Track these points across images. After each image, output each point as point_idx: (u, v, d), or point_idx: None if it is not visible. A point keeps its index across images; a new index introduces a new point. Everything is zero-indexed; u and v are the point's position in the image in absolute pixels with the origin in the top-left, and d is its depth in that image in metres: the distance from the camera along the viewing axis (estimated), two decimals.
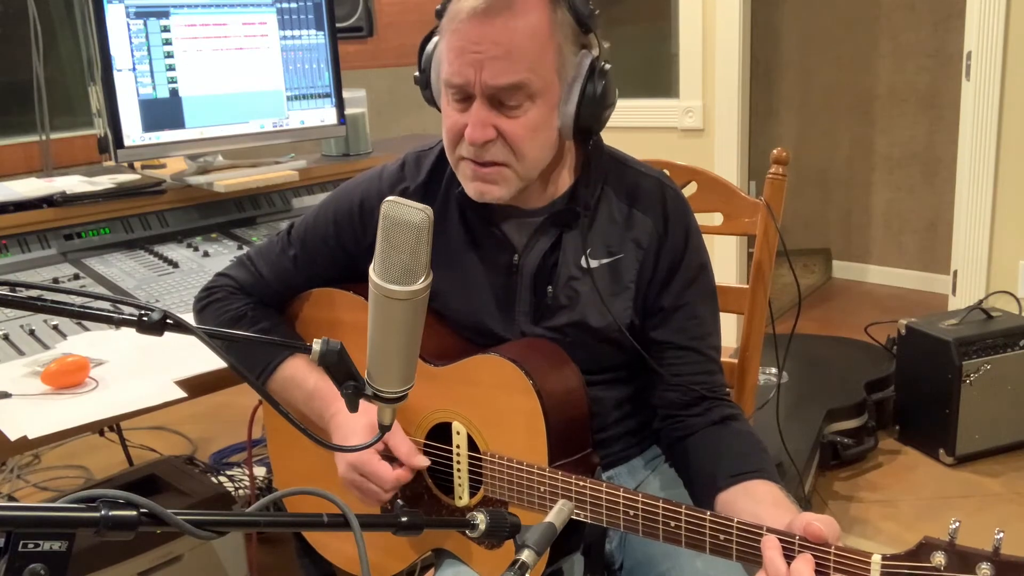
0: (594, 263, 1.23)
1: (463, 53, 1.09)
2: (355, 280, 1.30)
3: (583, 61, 1.14)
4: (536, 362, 1.17)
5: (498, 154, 1.13)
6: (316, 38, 2.06)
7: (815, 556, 0.93)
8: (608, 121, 1.20)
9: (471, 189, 1.17)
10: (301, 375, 1.28)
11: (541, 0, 1.09)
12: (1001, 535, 0.85)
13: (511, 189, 1.16)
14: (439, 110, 1.21)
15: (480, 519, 0.92)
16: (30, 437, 1.21)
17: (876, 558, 0.90)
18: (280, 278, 1.35)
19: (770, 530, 0.96)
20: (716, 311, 1.29)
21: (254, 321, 1.33)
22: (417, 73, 1.23)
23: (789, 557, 0.94)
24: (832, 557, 0.92)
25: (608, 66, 1.16)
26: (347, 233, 1.30)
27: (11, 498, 2.60)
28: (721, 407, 1.23)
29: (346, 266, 1.32)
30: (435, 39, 1.19)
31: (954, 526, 0.86)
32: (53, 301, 0.77)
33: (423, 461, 1.21)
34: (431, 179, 1.28)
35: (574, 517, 1.09)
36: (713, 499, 1.13)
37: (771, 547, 0.95)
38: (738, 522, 0.99)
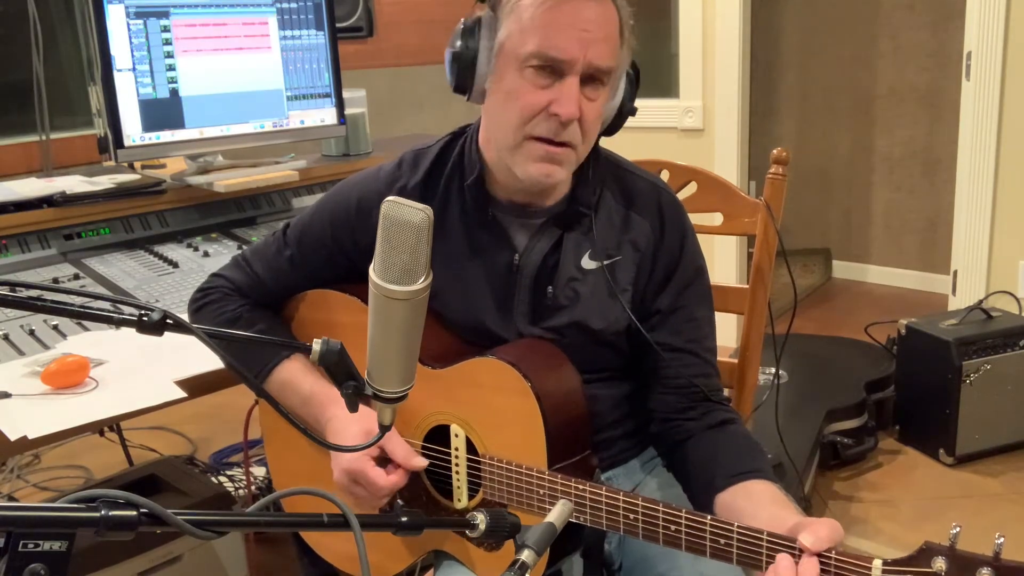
0: (595, 264, 1.23)
1: (571, 28, 1.09)
2: (352, 280, 1.30)
3: (626, 59, 1.17)
4: (534, 364, 1.17)
5: (573, 135, 1.13)
6: (316, 38, 2.06)
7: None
8: None
9: (535, 170, 1.15)
10: (297, 379, 1.28)
11: None
12: (1002, 540, 0.85)
13: (568, 172, 1.17)
14: (466, 94, 1.18)
15: (480, 519, 0.92)
16: (30, 437, 1.21)
17: (877, 563, 0.90)
18: (276, 279, 1.35)
19: (770, 535, 0.96)
20: (712, 315, 1.29)
21: (250, 323, 1.32)
22: (453, 50, 1.16)
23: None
24: (833, 562, 0.92)
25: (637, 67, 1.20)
26: (344, 233, 1.30)
27: (11, 498, 2.60)
28: (718, 411, 1.23)
29: (343, 266, 1.31)
30: (489, 22, 1.14)
31: (955, 531, 0.86)
32: (53, 301, 0.77)
33: (421, 462, 1.20)
34: (429, 177, 1.27)
35: (573, 520, 1.09)
36: (712, 500, 1.13)
37: (783, 561, 0.94)
38: (739, 526, 0.99)
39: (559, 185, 1.23)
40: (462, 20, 1.17)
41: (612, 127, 1.22)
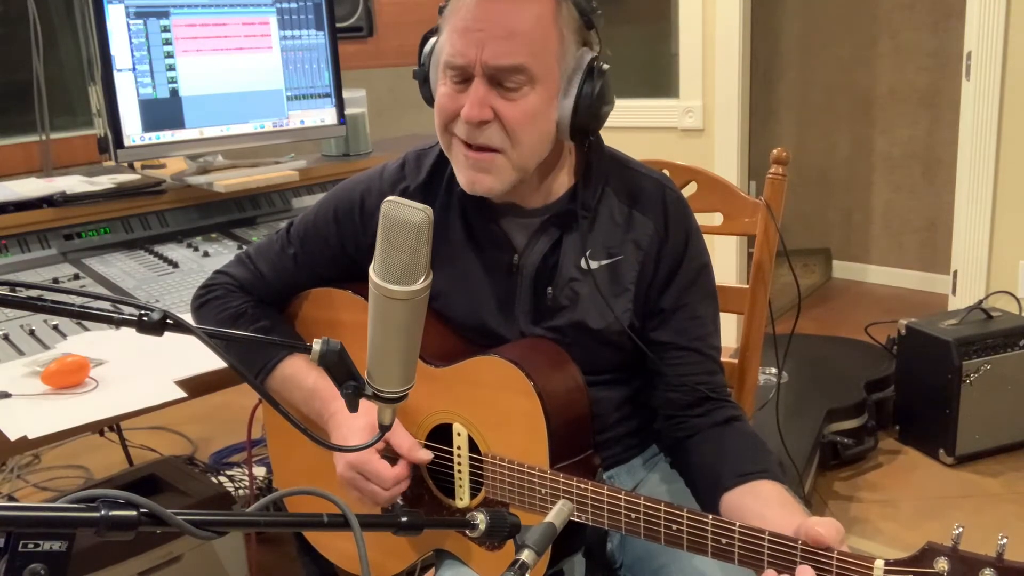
0: (594, 264, 1.22)
1: (466, 32, 1.08)
2: (355, 279, 1.30)
3: (584, 57, 1.14)
4: (537, 363, 1.17)
5: (493, 138, 1.11)
6: (316, 38, 2.06)
7: (818, 561, 0.92)
8: (606, 121, 1.19)
9: (463, 178, 1.16)
10: (301, 374, 1.28)
11: None
12: (1005, 541, 0.85)
13: (504, 181, 1.14)
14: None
15: (480, 519, 0.92)
16: (30, 437, 1.21)
17: (879, 563, 0.90)
18: (280, 277, 1.35)
19: (771, 535, 0.96)
20: (716, 312, 1.29)
21: (254, 319, 1.32)
22: (416, 68, 1.22)
23: (790, 566, 0.94)
24: (835, 562, 0.92)
25: (606, 66, 1.15)
26: (348, 232, 1.30)
27: (11, 498, 2.60)
28: (724, 408, 1.23)
29: (346, 265, 1.32)
30: (436, 36, 1.19)
31: (957, 531, 0.86)
32: (53, 301, 0.77)
33: (426, 455, 1.20)
34: (432, 178, 1.28)
35: (575, 519, 1.09)
36: (718, 499, 1.13)
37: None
38: (740, 526, 0.98)
39: (557, 185, 1.23)
40: (425, 33, 1.21)
41: (584, 124, 1.15)
